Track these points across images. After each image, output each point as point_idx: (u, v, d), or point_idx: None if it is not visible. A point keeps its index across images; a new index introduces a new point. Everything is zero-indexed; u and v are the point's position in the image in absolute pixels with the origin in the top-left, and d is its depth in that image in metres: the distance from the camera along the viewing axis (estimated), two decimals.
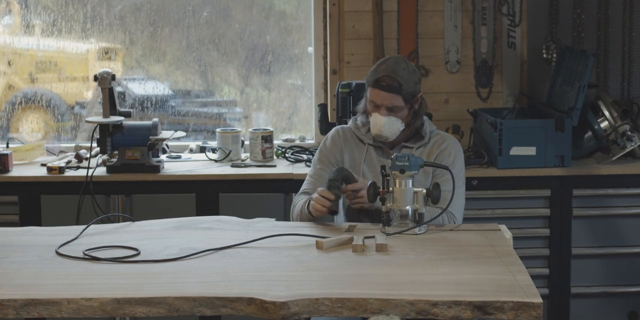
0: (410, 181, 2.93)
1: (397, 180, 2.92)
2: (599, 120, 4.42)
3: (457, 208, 3.26)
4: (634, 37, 4.67)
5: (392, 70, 3.19)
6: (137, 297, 2.33)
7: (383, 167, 2.96)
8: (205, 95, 4.92)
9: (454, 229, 3.01)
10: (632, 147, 4.33)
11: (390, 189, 2.94)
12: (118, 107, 4.29)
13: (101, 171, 4.24)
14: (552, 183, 4.28)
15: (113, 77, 4.22)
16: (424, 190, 2.93)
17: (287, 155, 4.55)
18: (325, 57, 4.74)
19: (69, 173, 4.26)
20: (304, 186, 3.38)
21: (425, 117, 3.38)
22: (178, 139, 4.42)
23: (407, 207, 2.93)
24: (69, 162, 4.39)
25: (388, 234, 2.89)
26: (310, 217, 3.14)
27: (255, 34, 4.83)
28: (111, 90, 4.23)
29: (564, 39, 4.65)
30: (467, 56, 4.68)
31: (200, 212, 4.17)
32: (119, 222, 3.33)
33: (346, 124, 3.51)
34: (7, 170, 4.26)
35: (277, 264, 2.61)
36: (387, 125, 3.23)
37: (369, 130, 3.34)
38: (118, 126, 4.25)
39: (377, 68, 3.24)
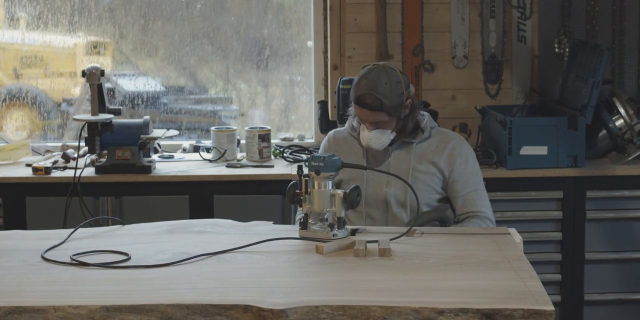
0: (330, 183, 2.92)
1: (315, 182, 2.92)
2: (613, 118, 4.42)
3: (488, 208, 3.38)
4: None
5: (372, 86, 3.24)
6: (128, 304, 2.33)
7: (300, 168, 2.97)
8: (199, 91, 4.92)
9: (461, 232, 3.01)
10: None
11: (309, 190, 2.94)
12: (107, 105, 4.29)
13: (89, 172, 4.24)
14: (564, 184, 4.28)
15: (102, 73, 4.22)
16: (342, 193, 2.92)
17: (285, 155, 4.55)
18: (325, 52, 4.74)
19: (56, 174, 4.26)
20: None
21: (426, 114, 3.43)
22: (170, 137, 4.42)
23: (325, 210, 2.92)
24: (55, 162, 4.39)
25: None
26: None
27: (252, 27, 4.84)
28: (100, 86, 4.23)
29: (577, 32, 4.65)
30: (475, 51, 4.68)
31: (194, 214, 4.17)
32: (108, 225, 3.33)
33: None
34: None
35: (275, 270, 2.62)
36: (374, 139, 3.31)
37: None
38: (107, 124, 4.25)
39: (358, 83, 3.28)
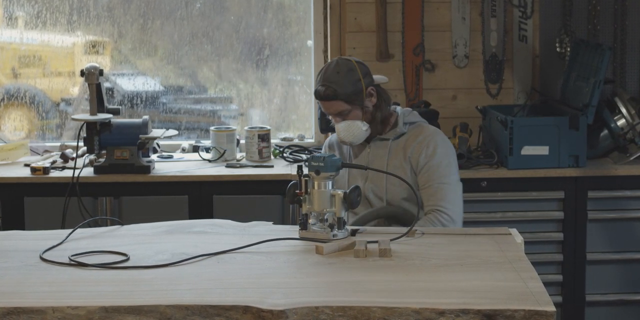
0: (330, 183, 2.92)
1: (315, 182, 2.92)
2: (615, 118, 4.42)
3: (453, 204, 3.34)
4: None
5: (324, 78, 3.35)
6: (126, 305, 2.33)
7: (300, 168, 2.97)
8: (198, 91, 4.92)
9: (462, 233, 3.01)
10: None
11: (309, 190, 2.94)
12: (106, 104, 4.29)
13: (88, 172, 4.24)
14: (566, 184, 4.28)
15: (101, 72, 4.22)
16: (342, 193, 2.92)
17: (285, 155, 4.55)
18: (325, 51, 4.74)
19: (54, 174, 4.26)
20: None
21: (400, 109, 3.48)
22: (170, 137, 4.42)
23: (325, 210, 2.92)
24: (54, 162, 4.39)
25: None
26: None
27: (252, 26, 4.84)
28: (99, 86, 4.23)
29: (579, 31, 4.65)
30: (476, 50, 4.68)
31: (193, 215, 4.17)
32: (107, 225, 3.33)
33: None
34: None
35: (275, 270, 2.62)
36: (343, 131, 3.38)
37: None
38: (106, 124, 4.25)
39: (316, 79, 3.42)
